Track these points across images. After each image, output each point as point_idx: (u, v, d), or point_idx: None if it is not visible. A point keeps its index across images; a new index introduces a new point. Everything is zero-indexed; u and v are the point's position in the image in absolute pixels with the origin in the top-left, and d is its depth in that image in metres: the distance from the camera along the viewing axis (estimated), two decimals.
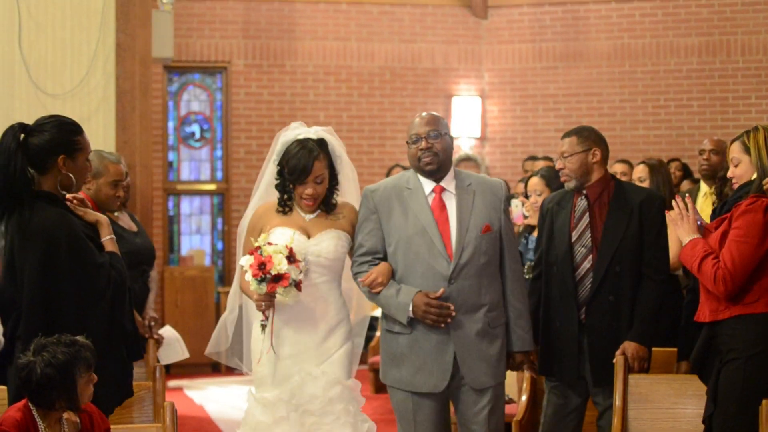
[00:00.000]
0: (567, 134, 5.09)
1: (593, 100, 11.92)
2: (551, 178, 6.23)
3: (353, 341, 4.81)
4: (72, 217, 4.01)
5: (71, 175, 4.01)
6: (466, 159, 11.91)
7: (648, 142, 11.71)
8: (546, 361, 4.96)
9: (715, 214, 4.67)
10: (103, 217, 4.17)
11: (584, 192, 5.00)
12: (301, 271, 4.53)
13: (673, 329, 5.33)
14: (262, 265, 4.46)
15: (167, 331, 6.32)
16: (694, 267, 4.37)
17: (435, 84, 12.11)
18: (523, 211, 6.72)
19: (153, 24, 8.36)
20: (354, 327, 4.89)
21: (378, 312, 5.69)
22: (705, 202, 7.04)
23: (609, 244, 4.89)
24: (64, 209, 4.01)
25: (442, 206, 4.65)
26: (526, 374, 5.29)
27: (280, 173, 4.74)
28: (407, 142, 4.71)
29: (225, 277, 11.77)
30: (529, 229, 6.43)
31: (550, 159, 8.49)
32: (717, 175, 6.92)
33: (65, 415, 3.63)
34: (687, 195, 4.64)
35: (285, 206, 4.74)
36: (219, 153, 12.03)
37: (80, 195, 4.15)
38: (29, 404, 3.59)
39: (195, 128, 12.04)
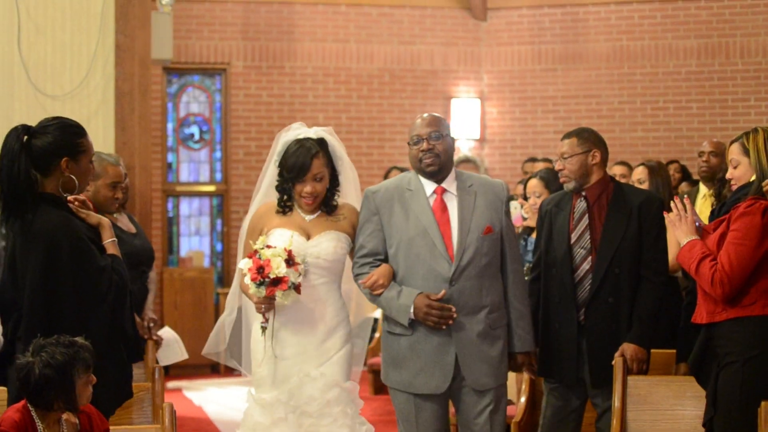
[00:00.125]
0: (567, 135, 5.09)
1: (592, 102, 11.92)
2: (550, 179, 6.23)
3: (353, 343, 4.81)
4: (75, 219, 4.02)
5: (74, 177, 4.01)
6: (465, 161, 11.91)
7: (647, 144, 11.71)
8: (545, 362, 4.96)
9: (713, 216, 4.67)
10: (105, 220, 4.17)
11: (583, 193, 5.00)
12: (300, 274, 4.52)
13: (672, 331, 5.33)
14: (260, 269, 4.46)
15: (166, 332, 6.32)
16: (691, 268, 4.36)
17: (434, 86, 12.11)
18: (521, 213, 6.72)
19: (152, 25, 8.36)
20: (356, 329, 4.89)
21: (377, 313, 5.68)
22: (704, 203, 7.04)
23: (608, 246, 4.89)
24: (67, 212, 4.02)
25: (444, 207, 4.64)
26: (525, 376, 5.30)
27: (280, 174, 4.74)
28: (408, 143, 4.71)
29: (224, 279, 11.77)
30: (528, 230, 6.44)
31: (549, 161, 8.49)
32: (716, 176, 6.92)
33: (64, 416, 3.64)
34: (686, 196, 4.64)
35: (285, 207, 4.75)
36: (218, 154, 12.03)
37: (81, 197, 4.16)
38: (28, 405, 3.59)
39: (194, 130, 12.04)
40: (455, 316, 4.50)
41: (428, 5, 12.12)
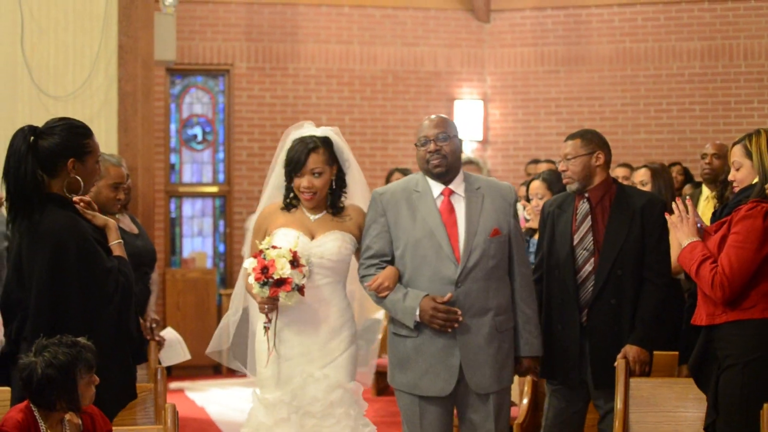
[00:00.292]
0: (571, 137, 5.09)
1: (595, 103, 11.91)
2: (553, 181, 6.23)
3: (358, 344, 4.80)
4: (81, 220, 4.02)
5: (80, 178, 4.02)
6: (468, 162, 11.89)
7: (650, 146, 11.71)
8: (547, 364, 4.95)
9: (715, 217, 4.67)
10: (111, 222, 4.18)
11: (586, 195, 5.00)
12: (304, 276, 4.52)
13: (675, 333, 5.33)
14: (264, 269, 4.46)
15: (169, 333, 6.32)
16: (692, 270, 4.36)
17: (437, 87, 12.11)
18: (524, 215, 6.72)
19: (155, 26, 8.36)
20: (361, 331, 4.88)
21: (379, 315, 5.67)
22: (707, 206, 7.03)
23: (611, 248, 4.89)
24: (74, 212, 4.02)
25: (451, 209, 4.63)
26: (528, 377, 5.29)
27: (285, 172, 4.76)
28: (416, 145, 4.70)
29: (227, 280, 11.77)
30: (530, 232, 6.43)
31: (552, 162, 8.50)
32: (719, 179, 6.92)
33: (67, 417, 3.64)
34: (688, 198, 4.63)
35: (289, 204, 4.74)
36: (221, 155, 12.03)
37: (87, 198, 4.16)
38: (31, 405, 3.60)
39: (197, 131, 12.04)
40: (461, 319, 4.49)
41: (431, 7, 12.12)
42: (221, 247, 11.99)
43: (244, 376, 5.05)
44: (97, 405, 3.74)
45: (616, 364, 4.78)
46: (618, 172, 7.54)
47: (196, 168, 12.04)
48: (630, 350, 4.80)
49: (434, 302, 4.48)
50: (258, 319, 4.74)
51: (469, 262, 4.54)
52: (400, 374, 4.64)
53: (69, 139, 4.01)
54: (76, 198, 4.06)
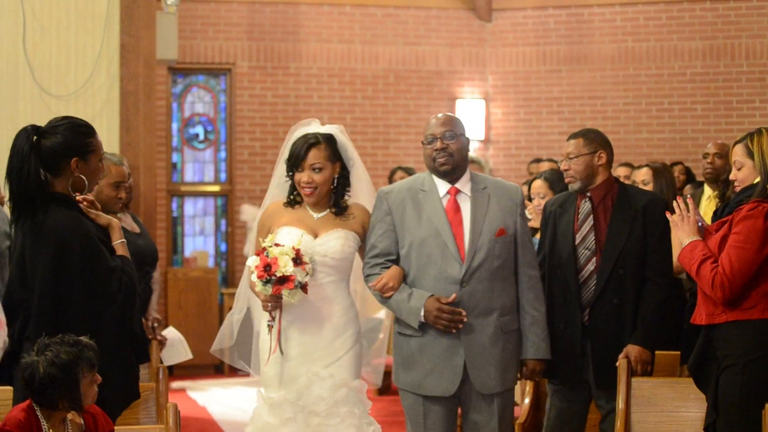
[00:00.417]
0: (573, 136, 5.09)
1: (597, 103, 11.91)
2: (554, 181, 6.22)
3: (362, 343, 4.80)
4: (85, 219, 4.02)
5: (83, 177, 4.02)
6: (470, 161, 11.88)
7: (652, 145, 11.70)
8: (549, 363, 4.95)
9: (716, 216, 4.66)
10: (115, 221, 4.18)
11: (588, 194, 5.00)
12: (307, 273, 4.52)
13: (677, 332, 5.33)
14: (267, 267, 4.46)
15: (170, 333, 6.32)
16: (692, 269, 4.35)
17: (439, 87, 12.11)
18: (526, 214, 6.71)
19: (157, 26, 8.36)
20: (364, 332, 4.88)
21: (381, 314, 5.67)
22: (709, 205, 7.03)
23: (613, 247, 4.89)
24: (78, 212, 4.02)
25: (457, 208, 4.63)
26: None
27: (286, 167, 4.76)
28: (422, 143, 4.69)
29: (228, 279, 11.77)
30: (532, 231, 6.42)
31: (554, 161, 8.49)
32: (721, 178, 6.91)
33: (69, 416, 3.64)
34: (689, 196, 4.63)
35: (293, 201, 4.74)
36: (223, 155, 12.03)
37: (90, 197, 4.16)
38: (33, 404, 3.60)
39: (199, 130, 12.04)
40: (465, 320, 4.49)
41: (433, 6, 12.12)
42: (223, 246, 11.99)
43: (245, 375, 5.05)
44: (100, 405, 3.74)
45: (617, 363, 4.78)
46: (620, 172, 7.54)
47: (198, 167, 12.05)
48: (632, 350, 4.80)
49: (439, 303, 4.48)
50: (261, 319, 4.74)
51: (474, 262, 4.54)
52: (404, 374, 4.64)
53: (72, 138, 4.01)
54: (79, 197, 4.06)
